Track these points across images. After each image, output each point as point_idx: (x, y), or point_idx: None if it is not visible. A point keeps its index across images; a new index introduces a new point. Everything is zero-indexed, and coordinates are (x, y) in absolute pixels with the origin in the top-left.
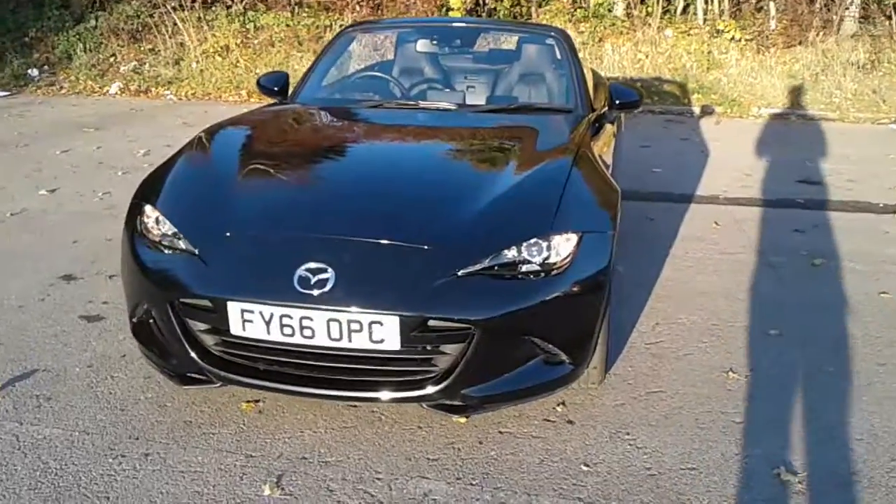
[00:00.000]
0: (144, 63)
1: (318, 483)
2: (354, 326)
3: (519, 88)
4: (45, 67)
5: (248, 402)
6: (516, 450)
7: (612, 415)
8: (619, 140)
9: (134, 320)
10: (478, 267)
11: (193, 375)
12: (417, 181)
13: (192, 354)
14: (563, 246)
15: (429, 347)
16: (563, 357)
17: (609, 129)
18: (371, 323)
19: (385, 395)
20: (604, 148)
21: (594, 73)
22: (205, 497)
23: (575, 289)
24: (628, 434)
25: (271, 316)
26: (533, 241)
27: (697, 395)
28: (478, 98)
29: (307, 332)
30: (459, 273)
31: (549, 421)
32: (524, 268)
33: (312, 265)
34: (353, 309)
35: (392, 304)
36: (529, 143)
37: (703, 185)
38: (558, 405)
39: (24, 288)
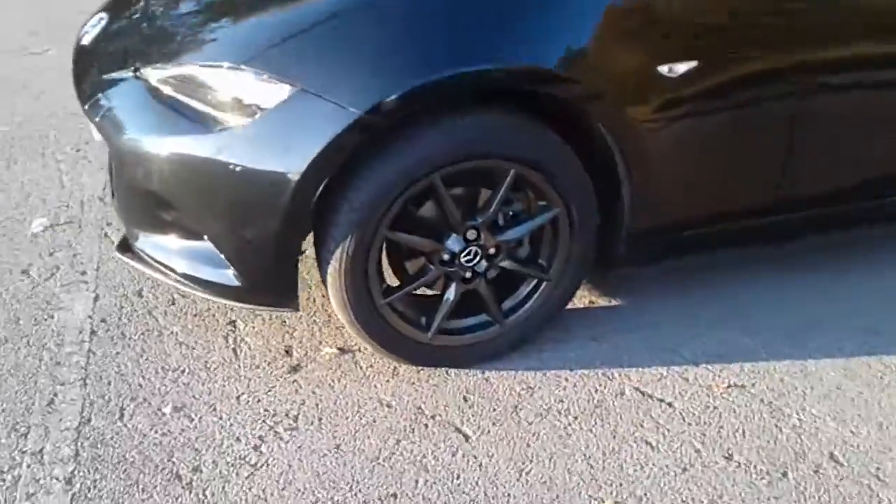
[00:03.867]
0: None
1: None
2: None
3: None
4: None
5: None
6: None
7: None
8: None
9: None
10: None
11: None
12: None
13: None
14: (264, 92)
15: None
16: (221, 256)
17: None
18: None
19: None
20: None
21: None
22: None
23: (246, 163)
24: None
25: None
26: (227, 66)
27: None
28: None
29: None
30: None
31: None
32: (208, 95)
33: None
34: None
35: None
36: None
37: None
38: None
39: None
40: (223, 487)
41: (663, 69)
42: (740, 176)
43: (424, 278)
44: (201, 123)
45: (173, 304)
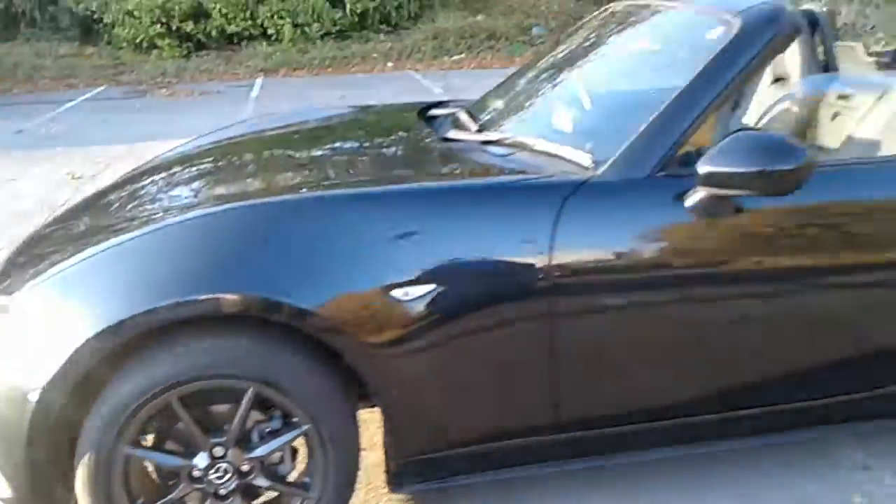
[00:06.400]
0: None
1: None
2: None
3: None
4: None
5: None
6: None
7: None
8: None
9: None
10: None
11: None
12: None
13: None
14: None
15: None
16: None
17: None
18: None
19: None
20: None
21: None
22: None
23: None
24: None
25: None
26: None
27: None
28: None
29: None
30: None
31: None
32: None
33: None
34: None
35: None
36: None
37: None
38: None
39: None
40: None
41: (398, 293)
42: (505, 395)
43: (171, 496)
44: None
45: None
